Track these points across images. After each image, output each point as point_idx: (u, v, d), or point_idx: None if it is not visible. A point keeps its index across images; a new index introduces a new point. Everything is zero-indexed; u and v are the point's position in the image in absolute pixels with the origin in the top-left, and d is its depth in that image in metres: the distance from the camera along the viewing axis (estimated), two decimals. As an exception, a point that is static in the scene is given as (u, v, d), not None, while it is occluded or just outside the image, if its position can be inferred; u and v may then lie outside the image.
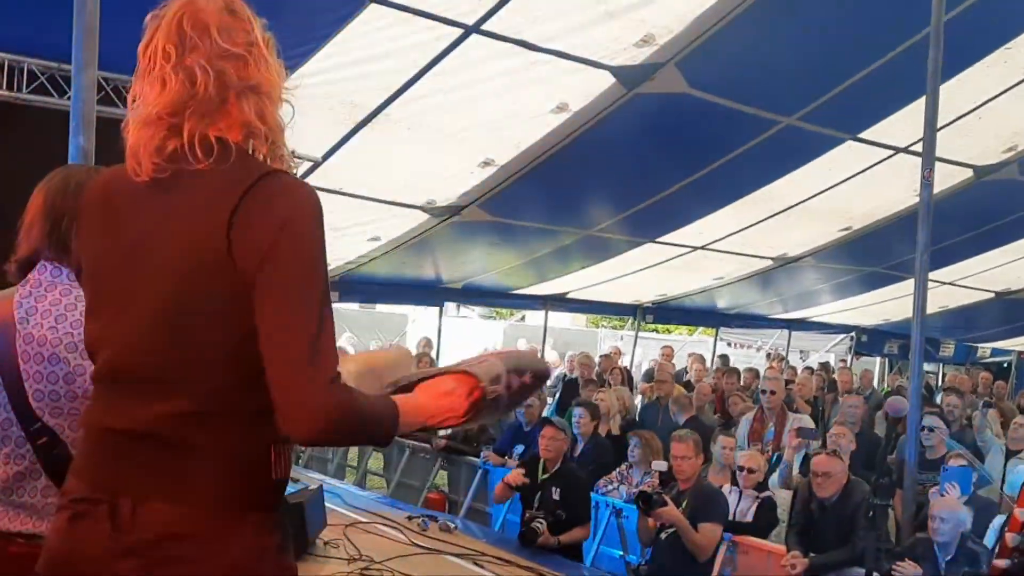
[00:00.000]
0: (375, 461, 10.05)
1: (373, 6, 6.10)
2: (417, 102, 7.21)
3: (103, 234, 1.70)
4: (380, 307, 20.30)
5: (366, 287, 11.48)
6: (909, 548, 5.46)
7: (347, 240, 9.54)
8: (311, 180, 7.82)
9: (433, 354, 12.85)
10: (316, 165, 7.82)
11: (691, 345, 19.15)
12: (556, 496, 5.81)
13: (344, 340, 16.83)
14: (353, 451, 10.21)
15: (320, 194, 1.63)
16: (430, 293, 12.31)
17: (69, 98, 3.80)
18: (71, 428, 2.18)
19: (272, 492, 1.65)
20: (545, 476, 5.94)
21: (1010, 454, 7.99)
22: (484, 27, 6.52)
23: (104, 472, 1.63)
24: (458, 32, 6.56)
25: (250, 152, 1.65)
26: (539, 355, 1.78)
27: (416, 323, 19.80)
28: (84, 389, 2.15)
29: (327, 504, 5.24)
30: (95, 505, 1.60)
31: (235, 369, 1.57)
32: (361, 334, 18.24)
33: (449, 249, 10.60)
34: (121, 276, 1.65)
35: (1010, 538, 1.83)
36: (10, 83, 5.96)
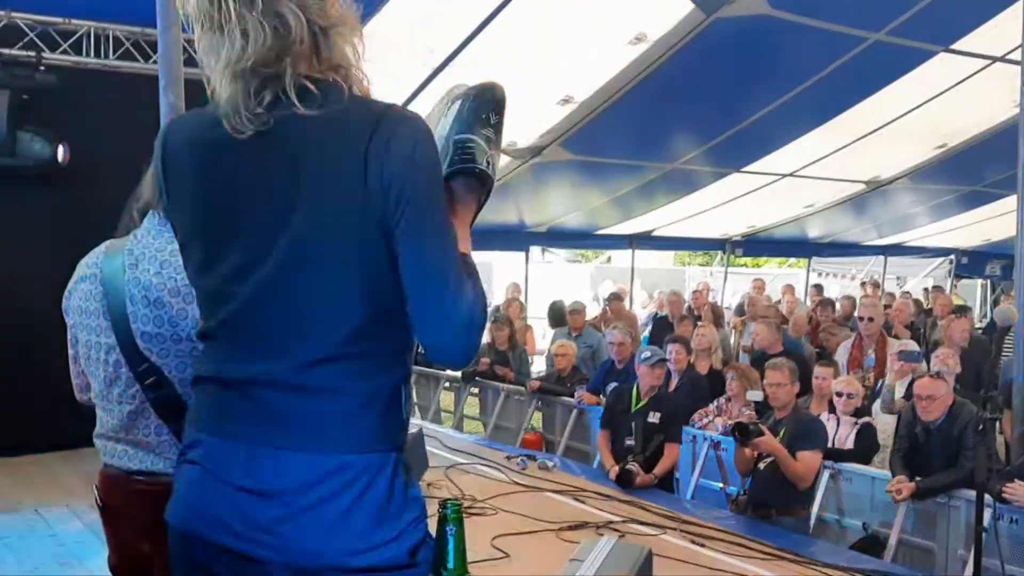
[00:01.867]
0: (471, 406, 10.19)
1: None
2: (492, 43, 7.17)
3: (205, 189, 1.64)
4: (466, 255, 20.41)
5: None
6: (1020, 467, 5.32)
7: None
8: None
9: (522, 299, 12.92)
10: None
11: (782, 278, 18.83)
12: (655, 420, 5.86)
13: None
14: (449, 397, 10.38)
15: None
16: (514, 238, 12.33)
17: (155, 61, 3.88)
18: (177, 369, 2.28)
19: (403, 431, 1.66)
20: (641, 404, 5.99)
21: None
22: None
23: (237, 423, 1.61)
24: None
25: (346, 87, 1.59)
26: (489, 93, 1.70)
27: (500, 270, 19.85)
28: (187, 332, 2.25)
29: (428, 448, 5.34)
30: (231, 457, 1.60)
31: (371, 309, 1.56)
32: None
33: (532, 191, 10.58)
34: (237, 230, 1.60)
35: None
36: (97, 50, 6.12)
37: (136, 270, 2.29)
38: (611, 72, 8.04)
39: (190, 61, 5.98)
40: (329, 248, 1.54)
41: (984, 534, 4.61)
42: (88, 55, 6.12)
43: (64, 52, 6.04)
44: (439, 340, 1.55)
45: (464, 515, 4.47)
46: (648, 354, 6.25)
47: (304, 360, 1.56)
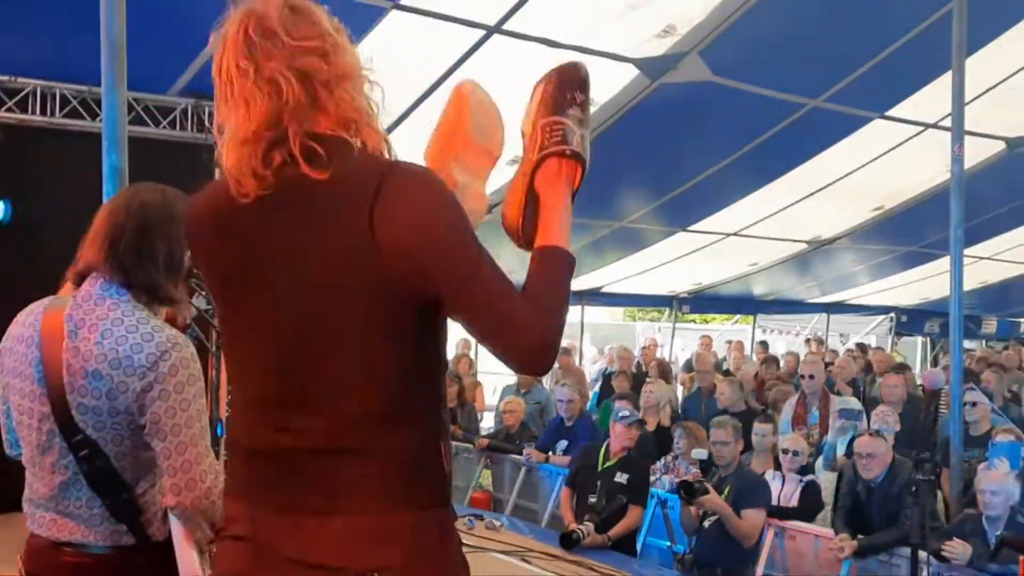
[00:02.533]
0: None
1: (395, 13, 6.16)
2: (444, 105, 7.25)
3: (221, 257, 1.65)
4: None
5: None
6: (957, 525, 5.42)
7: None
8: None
9: (472, 354, 12.91)
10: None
11: (729, 334, 19.04)
12: (622, 480, 5.87)
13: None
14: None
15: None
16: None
17: (101, 120, 3.87)
18: (113, 442, 2.20)
19: (446, 487, 1.65)
20: (609, 463, 6.00)
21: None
22: (506, 27, 6.57)
23: (277, 492, 1.58)
24: (480, 33, 6.61)
25: (357, 143, 1.60)
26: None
27: (451, 327, 19.77)
28: (126, 406, 2.16)
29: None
30: (276, 528, 1.56)
31: (394, 367, 1.56)
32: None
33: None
34: (253, 299, 1.61)
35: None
36: (43, 108, 6.10)
37: (75, 338, 2.19)
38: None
39: (136, 120, 6.00)
40: (343, 309, 1.53)
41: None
42: (34, 113, 6.09)
43: (9, 110, 6.01)
44: (524, 370, 1.60)
45: None
46: (626, 413, 6.26)
47: (332, 423, 1.55)
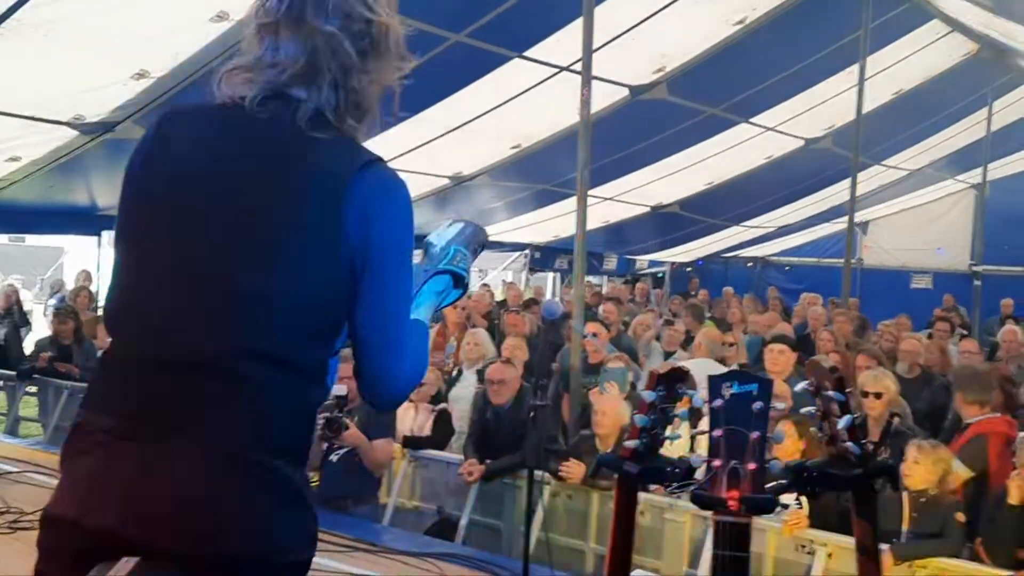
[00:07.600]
0: (27, 406, 9.16)
1: None
2: (53, 5, 6.41)
3: None
4: (31, 239, 18.42)
5: (10, 216, 10.31)
6: (574, 446, 5.79)
7: (-20, 162, 8.47)
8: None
9: (93, 288, 11.88)
10: (-70, 74, 6.80)
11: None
12: None
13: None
14: (2, 397, 9.27)
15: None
16: (86, 221, 11.25)
17: None
18: None
19: None
20: None
21: (667, 355, 8.77)
22: None
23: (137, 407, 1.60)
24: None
25: None
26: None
27: (72, 256, 18.16)
28: None
29: (-37, 457, 4.70)
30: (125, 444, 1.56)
31: None
32: (10, 268, 16.54)
33: (105, 171, 9.69)
34: None
35: (638, 419, 2.02)
36: None
37: None
38: (191, 49, 7.58)
39: None
40: None
41: (544, 510, 4.94)
42: None
43: None
44: (371, 394, 1.81)
45: (10, 530, 3.90)
46: None
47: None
